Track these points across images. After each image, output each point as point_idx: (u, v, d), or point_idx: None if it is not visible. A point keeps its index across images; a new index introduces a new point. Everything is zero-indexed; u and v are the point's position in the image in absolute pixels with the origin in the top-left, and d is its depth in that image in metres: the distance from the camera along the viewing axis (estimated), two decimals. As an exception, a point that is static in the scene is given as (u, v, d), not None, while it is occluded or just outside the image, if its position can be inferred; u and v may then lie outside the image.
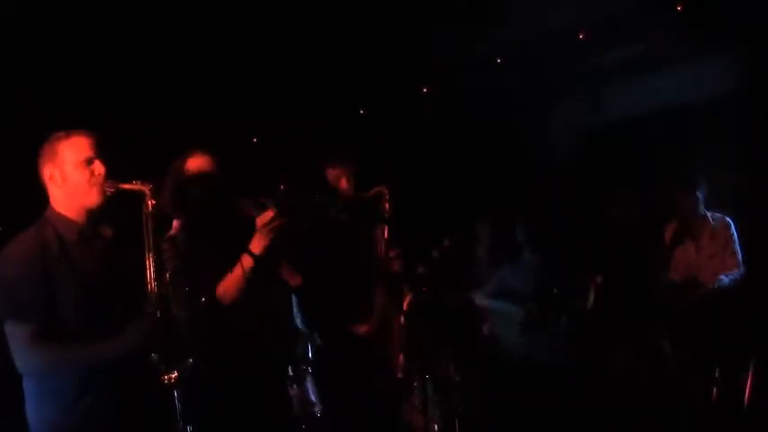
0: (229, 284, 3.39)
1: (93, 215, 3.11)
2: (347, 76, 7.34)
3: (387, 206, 4.10)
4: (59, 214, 3.10)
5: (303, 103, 7.30)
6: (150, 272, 2.97)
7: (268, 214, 3.36)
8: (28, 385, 3.05)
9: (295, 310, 3.90)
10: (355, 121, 8.08)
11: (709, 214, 6.22)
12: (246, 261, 3.35)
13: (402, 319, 4.15)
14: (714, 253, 6.08)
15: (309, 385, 4.19)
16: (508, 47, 7.39)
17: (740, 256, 6.08)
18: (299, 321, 3.92)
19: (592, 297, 5.55)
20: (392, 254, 4.12)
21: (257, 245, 3.38)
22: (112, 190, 3.06)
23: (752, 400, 5.05)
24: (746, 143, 7.48)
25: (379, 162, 6.37)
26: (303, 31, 6.44)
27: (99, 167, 3.06)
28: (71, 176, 3.06)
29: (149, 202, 2.99)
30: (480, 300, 6.41)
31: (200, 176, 3.48)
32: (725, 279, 5.86)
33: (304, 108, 7.27)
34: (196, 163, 3.59)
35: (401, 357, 4.23)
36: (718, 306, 5.54)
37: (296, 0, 6.04)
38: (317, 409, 4.12)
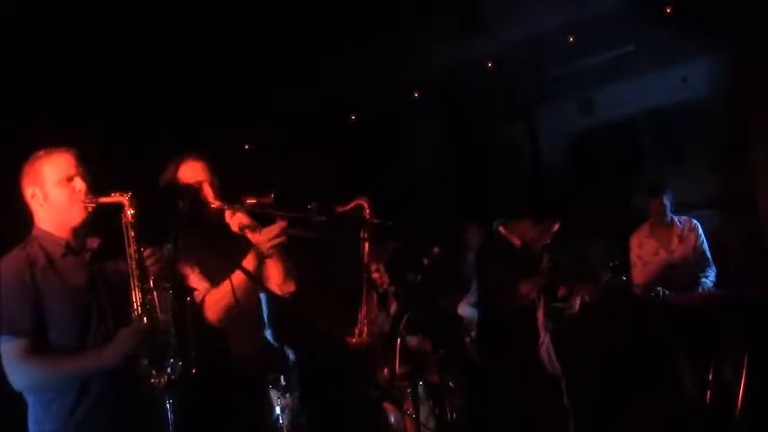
0: (217, 299, 3.34)
1: (78, 230, 3.11)
2: (335, 82, 7.34)
3: (367, 218, 4.03)
4: (45, 232, 3.10)
5: (290, 110, 7.31)
6: (134, 280, 2.97)
7: (274, 229, 3.33)
8: (29, 399, 3.04)
9: (267, 322, 3.84)
10: (342, 128, 8.08)
11: (676, 219, 6.27)
12: (237, 277, 3.32)
13: (387, 328, 4.10)
14: (685, 255, 6.19)
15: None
16: (496, 51, 7.39)
17: (709, 255, 6.18)
18: (268, 334, 3.87)
19: (578, 302, 5.51)
20: (374, 267, 4.06)
21: (252, 261, 3.35)
22: (93, 205, 3.06)
23: (745, 401, 5.05)
24: (727, 144, 7.54)
25: (360, 172, 6.37)
26: (293, 38, 6.44)
27: (79, 184, 3.07)
28: (52, 195, 3.07)
29: (128, 212, 3.00)
30: (463, 310, 6.38)
31: (186, 189, 3.43)
32: (707, 282, 5.93)
33: (290, 115, 7.28)
34: (189, 169, 3.56)
35: (386, 371, 4.18)
36: (709, 308, 5.54)
37: (284, 7, 6.03)
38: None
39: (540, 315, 5.20)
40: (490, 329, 5.41)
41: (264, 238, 3.34)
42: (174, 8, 5.68)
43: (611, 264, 5.93)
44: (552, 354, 5.20)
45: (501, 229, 5.46)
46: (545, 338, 5.20)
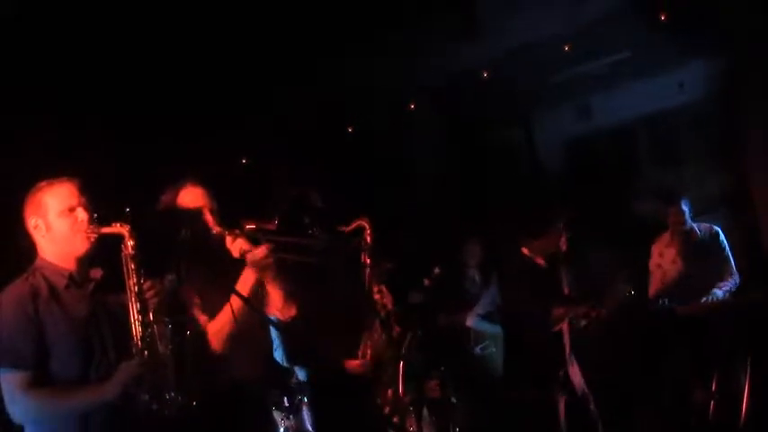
0: (219, 327, 3.34)
1: (82, 261, 3.10)
2: (333, 87, 7.32)
3: (368, 240, 4.01)
4: (48, 262, 3.09)
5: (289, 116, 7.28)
6: (134, 313, 2.96)
7: (260, 251, 3.32)
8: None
9: (276, 343, 3.83)
10: (341, 136, 8.07)
11: (695, 226, 6.21)
12: (235, 302, 3.30)
13: (391, 350, 4.07)
14: (705, 263, 6.10)
15: (305, 416, 4.15)
16: (495, 58, 7.39)
17: (733, 264, 6.09)
18: (278, 355, 3.86)
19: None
20: (376, 288, 4.04)
21: (246, 284, 3.34)
22: (95, 235, 3.05)
23: (749, 411, 5.05)
24: (725, 148, 7.54)
25: (359, 181, 6.33)
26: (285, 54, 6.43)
27: (82, 214, 3.06)
28: (54, 225, 3.06)
29: (128, 244, 2.99)
30: (473, 322, 6.37)
31: (189, 214, 3.42)
32: (718, 292, 5.85)
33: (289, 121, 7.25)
34: (188, 195, 3.53)
35: (390, 392, 4.15)
36: (714, 318, 5.52)
37: (277, 23, 6.02)
38: (314, 439, 4.08)
39: (567, 335, 5.17)
40: (518, 350, 5.37)
41: (253, 258, 3.33)
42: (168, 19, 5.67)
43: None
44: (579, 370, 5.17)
45: (525, 250, 5.41)
46: (572, 356, 5.18)
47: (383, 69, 7.20)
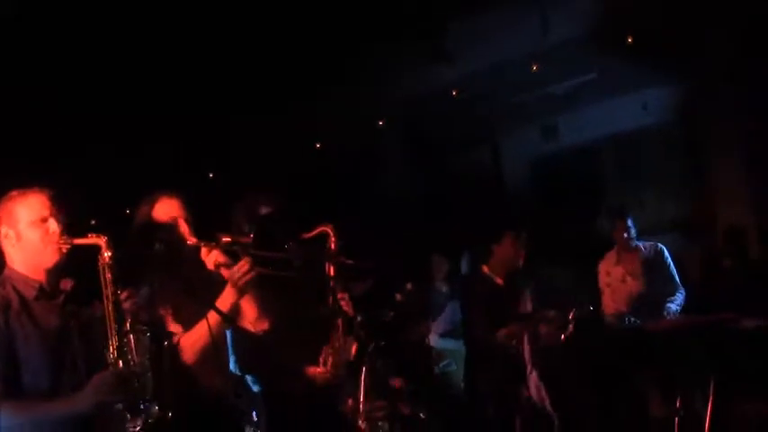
0: (195, 340, 3.31)
1: (51, 272, 3.07)
2: (302, 111, 7.34)
3: (332, 246, 4.00)
4: (17, 273, 3.06)
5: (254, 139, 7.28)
6: (110, 322, 2.94)
7: (242, 266, 3.31)
8: None
9: (230, 353, 3.80)
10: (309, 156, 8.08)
11: (640, 244, 6.29)
12: (213, 317, 3.29)
13: (352, 357, 4.06)
14: (652, 281, 6.18)
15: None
16: (462, 79, 7.46)
17: (677, 279, 6.20)
18: (231, 363, 3.83)
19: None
20: (340, 296, 4.03)
21: (226, 301, 3.33)
22: (68, 246, 3.03)
23: (712, 428, 5.10)
24: (688, 168, 7.68)
25: (326, 199, 6.34)
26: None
27: (53, 225, 3.03)
28: (25, 235, 3.03)
29: (105, 255, 2.97)
30: (434, 341, 6.39)
31: (164, 227, 3.40)
32: (672, 306, 5.95)
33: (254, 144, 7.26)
34: (163, 206, 3.51)
35: (350, 401, 4.12)
36: (680, 335, 5.59)
37: (250, 39, 6.04)
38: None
39: (527, 350, 5.19)
40: (476, 363, 5.41)
41: (234, 276, 3.32)
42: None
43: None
44: (541, 387, 5.19)
45: (485, 268, 5.45)
46: (532, 372, 5.20)
47: (352, 90, 7.25)
